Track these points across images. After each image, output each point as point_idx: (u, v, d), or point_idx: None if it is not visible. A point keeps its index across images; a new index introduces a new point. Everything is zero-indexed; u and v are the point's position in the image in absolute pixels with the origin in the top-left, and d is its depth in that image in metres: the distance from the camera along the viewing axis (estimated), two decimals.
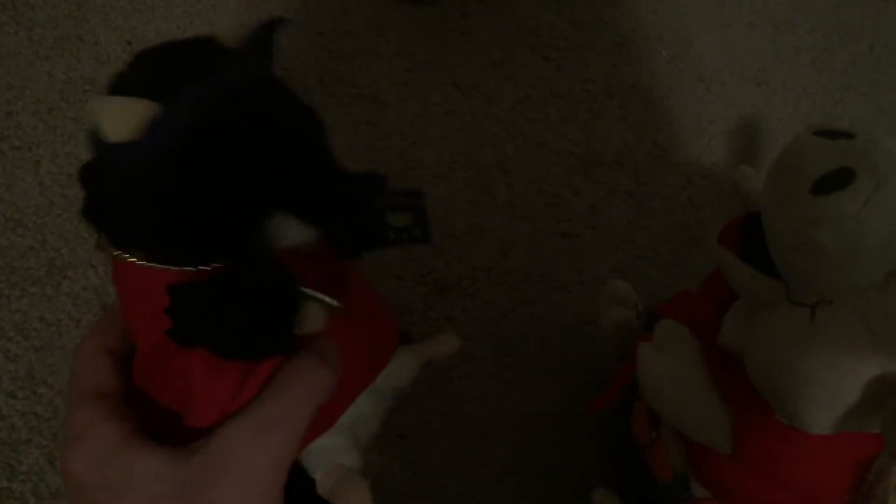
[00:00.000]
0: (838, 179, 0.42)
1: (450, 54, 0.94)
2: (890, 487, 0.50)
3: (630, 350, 0.62)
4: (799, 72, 1.02)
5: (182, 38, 0.36)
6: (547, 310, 0.81)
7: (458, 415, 0.75)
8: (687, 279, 0.86)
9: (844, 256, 0.42)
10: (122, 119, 0.32)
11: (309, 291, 0.37)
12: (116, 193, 0.34)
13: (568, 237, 0.85)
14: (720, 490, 0.58)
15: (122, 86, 0.35)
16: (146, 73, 0.35)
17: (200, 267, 0.36)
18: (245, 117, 0.33)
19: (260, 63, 0.37)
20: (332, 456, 0.46)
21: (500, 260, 0.83)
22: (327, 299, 0.37)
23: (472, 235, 0.84)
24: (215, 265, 0.36)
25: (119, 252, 0.36)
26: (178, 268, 0.35)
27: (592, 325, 0.81)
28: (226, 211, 0.34)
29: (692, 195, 0.90)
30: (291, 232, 0.36)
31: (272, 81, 0.37)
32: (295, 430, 0.35)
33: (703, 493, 0.60)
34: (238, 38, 0.36)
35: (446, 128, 0.90)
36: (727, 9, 1.04)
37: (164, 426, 0.36)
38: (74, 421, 0.35)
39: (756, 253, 0.48)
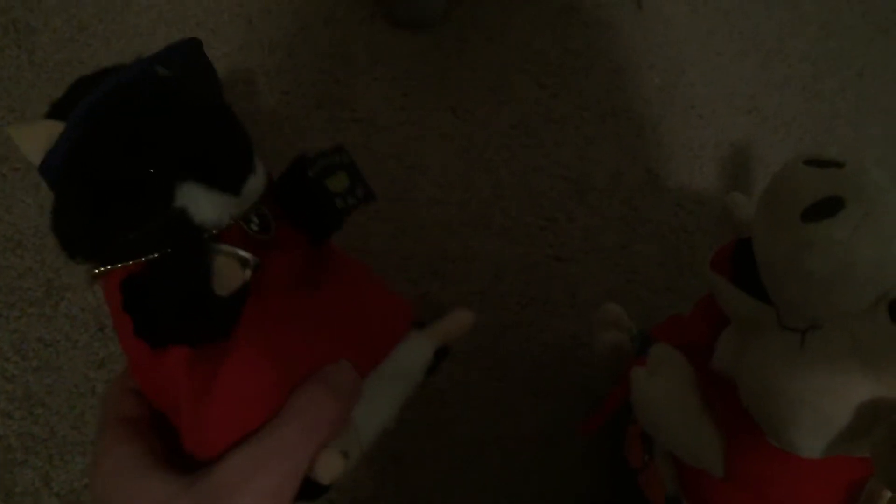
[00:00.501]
0: (828, 207, 0.43)
1: (446, 80, 0.96)
2: None
3: (623, 373, 0.63)
4: (789, 99, 1.03)
5: (115, 65, 0.38)
6: (540, 333, 0.82)
7: (452, 438, 0.75)
8: (679, 303, 0.87)
9: (834, 282, 0.43)
10: (34, 141, 0.33)
11: (220, 247, 0.37)
12: (57, 210, 0.35)
13: (562, 261, 0.86)
14: None
15: (52, 113, 0.36)
16: (71, 98, 0.36)
17: (143, 258, 0.36)
18: (127, 97, 0.35)
19: (151, 67, 0.38)
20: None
21: (495, 283, 0.84)
22: (240, 253, 0.37)
23: (467, 259, 0.84)
24: (143, 254, 0.36)
25: (97, 268, 0.36)
26: (121, 265, 0.36)
27: (586, 348, 0.81)
28: (127, 190, 0.34)
29: (684, 220, 0.91)
30: (203, 202, 0.36)
31: (164, 78, 0.37)
32: (296, 465, 0.36)
33: None
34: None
35: (442, 152, 0.91)
36: (718, 37, 1.06)
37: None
38: (101, 443, 0.37)
39: (747, 278, 0.49)
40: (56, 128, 0.34)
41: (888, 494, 0.50)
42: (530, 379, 0.79)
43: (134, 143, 0.34)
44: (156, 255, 0.36)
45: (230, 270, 0.36)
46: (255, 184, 0.40)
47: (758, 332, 0.49)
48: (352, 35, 0.96)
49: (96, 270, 0.37)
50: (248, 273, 0.37)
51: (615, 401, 0.63)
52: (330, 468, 0.38)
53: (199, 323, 0.36)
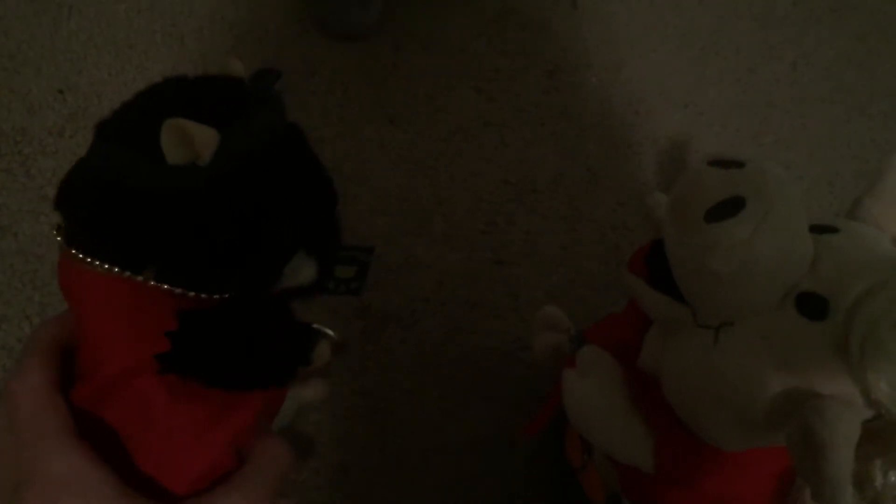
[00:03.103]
0: (729, 207, 0.43)
1: (382, 89, 0.96)
2: (807, 498, 0.52)
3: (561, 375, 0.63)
4: (724, 92, 1.05)
5: (208, 75, 0.37)
6: (484, 337, 0.82)
7: (398, 447, 0.75)
8: (622, 300, 0.87)
9: (740, 281, 0.43)
10: (191, 142, 0.33)
11: (319, 327, 0.39)
12: (161, 211, 0.34)
13: (503, 264, 0.87)
14: None
15: (142, 111, 0.35)
16: (192, 103, 0.35)
17: (214, 295, 0.36)
18: (295, 158, 0.36)
19: (281, 109, 0.39)
20: None
21: (437, 290, 0.84)
22: (332, 333, 0.39)
23: (409, 267, 0.85)
24: (225, 294, 0.36)
25: (108, 267, 0.35)
26: (193, 293, 0.36)
27: (529, 351, 0.82)
28: (267, 243, 0.35)
29: (625, 218, 0.92)
30: (305, 271, 0.38)
31: (298, 128, 0.39)
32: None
33: None
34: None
35: (381, 162, 0.91)
36: (654, 34, 1.07)
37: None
38: (65, 467, 0.32)
39: (663, 278, 0.50)
40: (215, 139, 0.33)
41: None
42: (476, 384, 0.80)
43: (293, 200, 0.35)
44: (229, 303, 0.36)
45: (326, 351, 0.39)
46: None
47: (676, 331, 0.50)
48: (285, 50, 0.96)
49: (90, 260, 0.35)
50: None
51: (554, 403, 0.64)
52: None
53: (276, 380, 0.37)
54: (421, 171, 0.91)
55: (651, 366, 0.55)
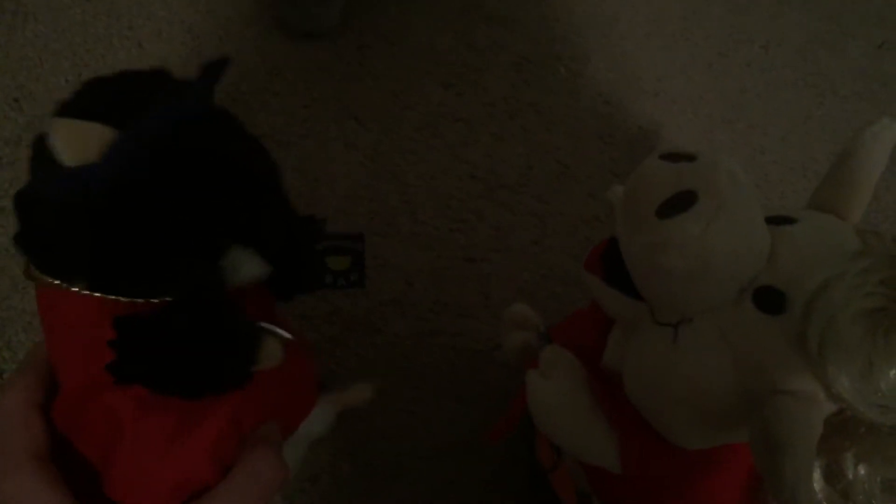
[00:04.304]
0: (680, 202, 0.42)
1: (347, 88, 0.94)
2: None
3: None
4: (695, 79, 1.04)
5: (133, 69, 0.36)
6: (455, 338, 0.81)
7: (370, 453, 0.74)
8: None
9: (693, 278, 0.42)
10: (81, 142, 0.31)
11: (267, 326, 0.37)
12: (64, 219, 0.33)
13: (474, 262, 0.86)
14: None
15: (74, 112, 0.34)
16: (98, 101, 0.35)
17: (150, 299, 0.35)
18: (205, 148, 0.34)
19: (207, 96, 0.37)
20: None
21: (406, 291, 0.83)
22: (284, 333, 0.37)
23: (377, 268, 0.83)
24: (164, 298, 0.35)
25: (57, 281, 0.35)
26: (126, 299, 0.34)
27: (501, 350, 0.81)
28: (185, 241, 0.33)
29: (596, 211, 0.91)
30: (247, 266, 0.36)
31: (224, 114, 0.37)
32: None
33: None
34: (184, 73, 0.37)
35: (347, 162, 0.90)
36: (622, 22, 1.06)
37: (82, 484, 0.35)
38: (14, 486, 0.33)
39: (620, 276, 0.49)
40: (107, 134, 0.32)
41: None
42: (447, 386, 0.78)
43: (210, 192, 0.33)
44: (172, 306, 0.34)
45: (276, 351, 0.37)
46: None
47: (636, 329, 0.49)
48: (248, 50, 0.94)
49: (54, 280, 0.35)
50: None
51: (520, 405, 0.63)
52: None
53: (227, 384, 0.35)
54: (388, 169, 0.90)
55: (615, 364, 0.54)
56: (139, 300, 0.34)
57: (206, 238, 0.34)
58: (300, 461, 0.51)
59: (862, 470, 0.42)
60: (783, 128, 1.02)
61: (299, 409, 0.47)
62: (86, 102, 0.35)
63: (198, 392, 0.34)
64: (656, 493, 0.53)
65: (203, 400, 0.35)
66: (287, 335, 0.38)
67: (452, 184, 0.90)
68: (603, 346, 0.57)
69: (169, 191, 0.33)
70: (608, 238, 0.52)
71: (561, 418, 0.54)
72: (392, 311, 0.81)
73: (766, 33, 1.09)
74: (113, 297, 0.34)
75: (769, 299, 0.41)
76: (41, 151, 0.33)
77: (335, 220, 0.86)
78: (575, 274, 0.86)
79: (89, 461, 0.37)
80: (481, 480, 0.74)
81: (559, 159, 0.94)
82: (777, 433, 0.38)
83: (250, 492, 0.36)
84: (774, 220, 0.44)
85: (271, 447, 0.38)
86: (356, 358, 0.79)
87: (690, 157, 0.44)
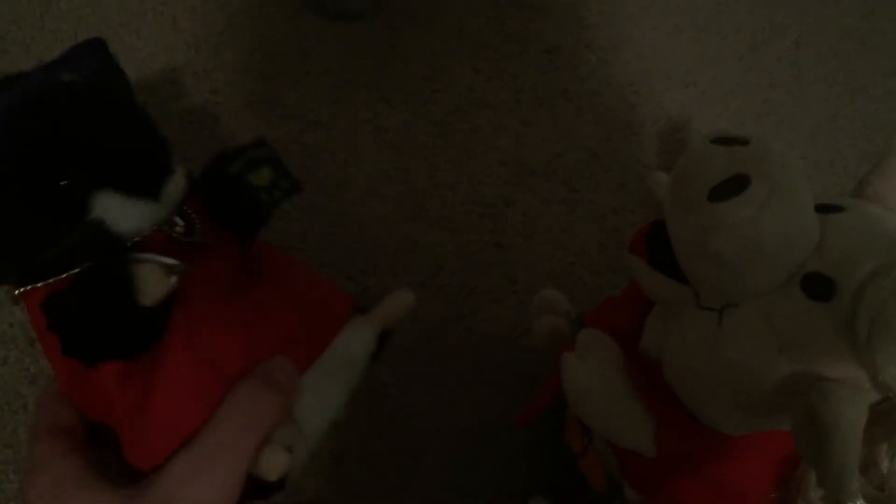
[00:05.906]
0: (734, 186, 0.42)
1: (378, 70, 0.94)
2: (812, 484, 0.51)
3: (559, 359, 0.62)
4: (725, 72, 1.03)
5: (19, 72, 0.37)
6: (482, 322, 0.81)
7: (395, 434, 0.74)
8: (622, 283, 0.86)
9: (744, 262, 0.42)
10: None
11: (142, 256, 0.36)
12: None
13: (502, 247, 0.86)
14: (651, 493, 0.59)
15: None
16: None
17: (63, 275, 0.35)
18: (32, 107, 0.34)
19: (55, 73, 0.37)
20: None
21: (434, 274, 0.83)
22: (164, 259, 0.36)
23: (405, 251, 0.83)
24: (79, 269, 0.35)
25: (16, 289, 0.36)
26: (42, 283, 0.35)
27: (528, 336, 0.81)
28: (37, 207, 0.33)
29: (624, 200, 0.91)
30: (120, 211, 0.35)
31: (70, 83, 0.36)
32: (238, 460, 0.35)
33: (635, 497, 0.60)
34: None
35: (376, 144, 0.90)
36: (653, 13, 1.06)
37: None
38: (35, 453, 0.36)
39: (664, 259, 0.49)
40: None
41: None
42: (473, 370, 0.78)
43: (42, 155, 0.33)
44: (77, 271, 0.35)
45: (154, 279, 0.35)
46: (175, 186, 0.39)
47: (678, 313, 0.49)
48: (280, 30, 0.94)
49: (16, 291, 0.36)
50: (174, 280, 0.36)
51: (550, 389, 0.63)
52: (274, 464, 0.38)
53: (126, 335, 0.35)
54: (417, 152, 0.90)
55: (653, 349, 0.54)
56: (49, 280, 0.35)
57: (60, 199, 0.34)
58: (345, 391, 0.45)
59: None
60: (812, 124, 1.01)
61: (317, 336, 0.45)
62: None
63: (111, 350, 0.35)
64: (690, 478, 0.53)
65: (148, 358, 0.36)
66: (169, 261, 0.36)
67: (482, 169, 0.90)
68: (639, 331, 0.57)
69: (14, 164, 0.32)
70: (653, 221, 0.52)
71: (597, 401, 0.54)
72: (420, 294, 0.81)
73: (798, 28, 1.08)
74: (30, 286, 0.35)
75: (818, 286, 0.41)
76: None
77: (365, 202, 0.86)
78: (603, 262, 0.86)
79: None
80: (505, 463, 0.74)
81: (588, 147, 0.93)
82: (824, 418, 0.38)
83: (232, 425, 0.36)
84: (822, 209, 0.44)
85: (254, 378, 0.38)
86: None
87: (744, 141, 0.44)
